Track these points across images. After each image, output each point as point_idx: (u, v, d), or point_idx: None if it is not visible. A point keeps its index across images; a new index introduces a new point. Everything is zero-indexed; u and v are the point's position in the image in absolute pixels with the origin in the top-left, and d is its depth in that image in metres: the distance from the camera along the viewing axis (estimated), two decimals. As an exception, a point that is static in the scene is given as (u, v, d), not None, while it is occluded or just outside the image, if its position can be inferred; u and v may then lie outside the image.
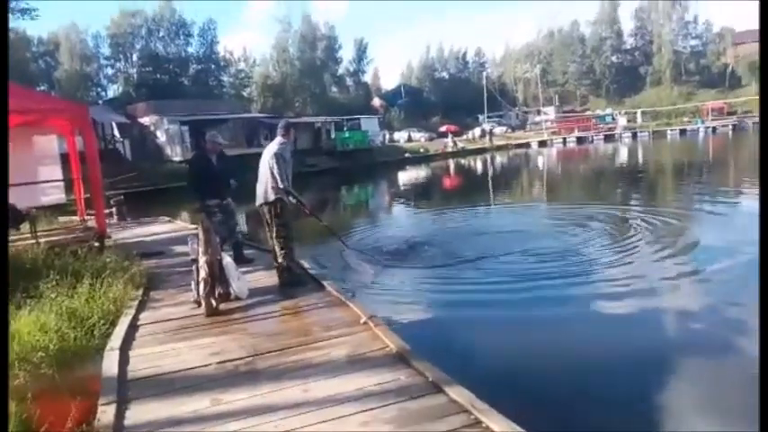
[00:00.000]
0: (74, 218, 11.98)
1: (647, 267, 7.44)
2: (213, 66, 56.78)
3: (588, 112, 63.97)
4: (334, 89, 64.41)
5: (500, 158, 41.23)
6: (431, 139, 51.30)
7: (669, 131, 50.38)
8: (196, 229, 8.81)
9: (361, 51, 67.65)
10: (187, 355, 4.20)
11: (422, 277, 7.67)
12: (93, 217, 10.14)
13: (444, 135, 51.19)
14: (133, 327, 4.89)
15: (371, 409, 3.10)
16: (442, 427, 2.84)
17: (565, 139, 50.92)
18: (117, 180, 20.80)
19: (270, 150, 5.89)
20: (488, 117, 59.35)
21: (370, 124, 44.86)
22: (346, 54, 66.24)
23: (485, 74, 68.41)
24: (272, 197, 5.83)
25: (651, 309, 6.07)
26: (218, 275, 5.42)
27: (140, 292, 6.06)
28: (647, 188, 18.61)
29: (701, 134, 47.89)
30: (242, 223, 12.69)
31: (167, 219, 14.29)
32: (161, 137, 35.49)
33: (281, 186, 5.76)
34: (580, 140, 49.94)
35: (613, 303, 6.25)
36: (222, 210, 7.23)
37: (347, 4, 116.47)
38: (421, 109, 64.04)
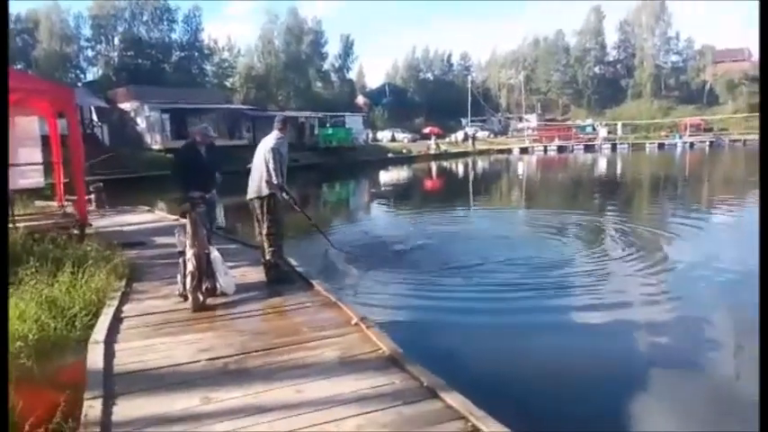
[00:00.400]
0: (50, 203, 11.68)
1: (616, 277, 7.57)
2: (196, 53, 55.96)
3: (569, 122, 64.77)
4: (319, 84, 64.01)
5: (482, 163, 41.52)
6: (414, 140, 51.40)
7: (648, 144, 51.30)
8: (178, 220, 8.73)
9: (347, 48, 67.41)
10: (174, 350, 4.12)
11: (396, 281, 7.64)
12: (71, 203, 9.92)
13: (427, 137, 51.34)
14: (117, 319, 4.77)
15: (367, 412, 3.06)
16: (438, 434, 2.83)
17: (546, 147, 51.48)
18: (94, 163, 20.26)
19: (266, 144, 5.80)
20: (471, 121, 59.70)
21: (354, 122, 44.76)
22: (332, 50, 66.02)
23: (469, 78, 68.86)
24: (265, 192, 5.75)
25: (616, 317, 6.13)
26: (205, 269, 5.34)
27: (123, 283, 5.93)
28: (623, 199, 18.90)
29: (679, 149, 48.86)
30: (221, 217, 12.59)
31: (147, 208, 14.05)
32: (141, 123, 34.87)
33: (276, 182, 5.69)
34: (561, 149, 50.54)
35: (579, 311, 6.31)
36: (205, 202, 7.13)
37: (336, 3, 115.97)
38: (405, 109, 64.11)
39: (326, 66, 65.47)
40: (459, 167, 38.69)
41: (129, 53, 51.21)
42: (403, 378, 3.49)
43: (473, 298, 6.79)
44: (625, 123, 59.84)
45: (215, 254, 5.59)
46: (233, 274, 5.85)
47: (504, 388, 4.20)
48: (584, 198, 19.81)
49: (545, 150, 50.38)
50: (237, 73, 57.99)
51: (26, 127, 9.43)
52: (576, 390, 4.36)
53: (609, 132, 56.78)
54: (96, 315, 4.95)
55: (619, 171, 32.55)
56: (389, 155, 43.17)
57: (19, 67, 43.39)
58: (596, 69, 73.54)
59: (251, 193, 5.90)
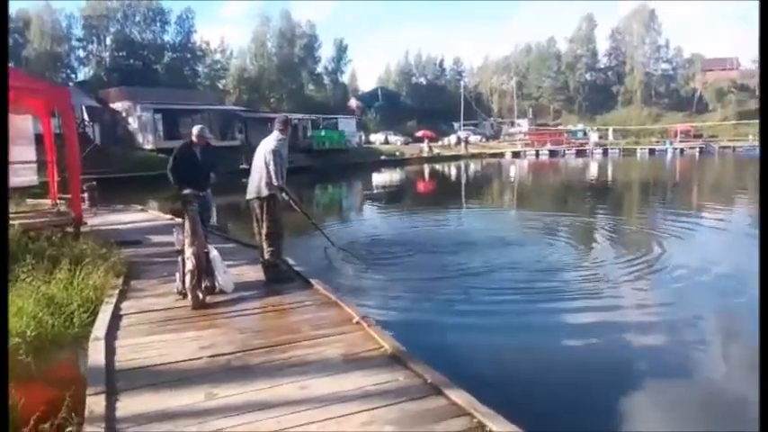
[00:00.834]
0: (42, 201, 11.59)
1: (608, 278, 7.67)
2: (189, 55, 55.85)
3: (561, 127, 65.19)
4: (311, 87, 64.09)
5: (474, 166, 41.67)
6: (407, 143, 51.44)
7: (639, 150, 51.71)
8: (173, 219, 8.70)
9: (340, 51, 67.47)
10: (176, 347, 4.10)
11: (392, 281, 7.66)
12: (64, 201, 9.85)
13: (420, 140, 51.41)
14: (116, 316, 4.76)
15: (372, 409, 3.07)
16: (444, 429, 2.84)
17: (537, 151, 51.73)
18: (82, 158, 20.08)
19: (267, 145, 5.79)
20: (464, 125, 59.87)
21: (347, 124, 44.81)
22: (325, 53, 66.06)
23: (462, 82, 69.11)
24: (265, 192, 5.74)
25: (609, 317, 6.17)
26: (204, 267, 5.33)
27: (120, 281, 5.91)
28: (613, 203, 19.05)
29: (669, 155, 49.27)
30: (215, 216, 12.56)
31: (140, 207, 14.00)
32: (133, 123, 34.68)
33: (276, 183, 5.69)
34: (552, 153, 50.80)
35: (576, 311, 6.35)
36: (199, 201, 7.12)
37: (329, 4, 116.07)
38: (397, 113, 64.21)
39: (319, 69, 65.59)
40: (451, 170, 38.79)
41: (121, 54, 51.05)
42: (406, 375, 3.50)
43: (469, 299, 6.79)
44: (616, 129, 60.33)
45: (214, 253, 5.58)
46: (232, 273, 5.85)
47: (504, 386, 4.22)
48: (575, 201, 19.95)
49: (537, 155, 50.62)
50: (230, 75, 57.92)
51: (20, 125, 9.37)
52: (579, 387, 4.38)
53: (600, 137, 57.18)
54: (94, 312, 4.92)
55: (610, 175, 32.78)
56: (382, 157, 43.20)
57: (10, 65, 42.98)
58: (587, 76, 74.18)
59: (251, 193, 5.89)
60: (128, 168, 26.25)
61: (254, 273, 6.22)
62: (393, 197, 22.61)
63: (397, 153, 45.83)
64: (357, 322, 4.49)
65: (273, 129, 6.03)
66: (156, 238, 8.67)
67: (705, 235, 11.49)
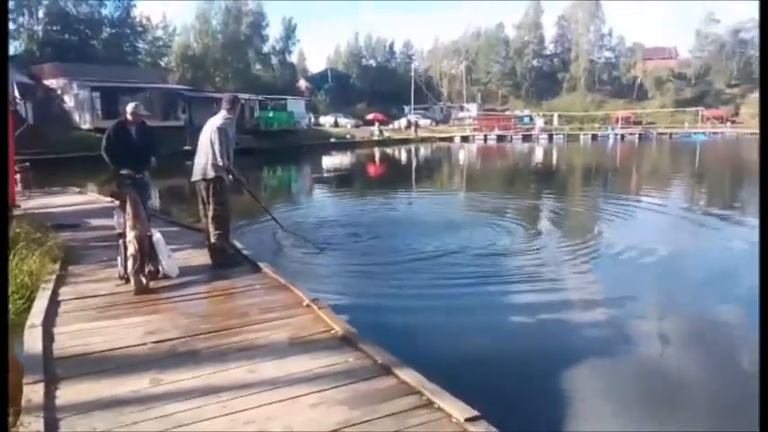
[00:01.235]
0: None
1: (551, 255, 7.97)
2: (128, 31, 53.20)
3: (508, 112, 66.40)
4: (258, 67, 62.49)
5: (424, 150, 41.96)
6: (357, 126, 51.21)
7: (582, 135, 53.38)
8: (113, 201, 8.35)
9: (289, 31, 66.03)
10: (118, 333, 3.98)
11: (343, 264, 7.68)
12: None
13: (371, 123, 51.25)
14: (54, 302, 4.56)
15: (322, 390, 3.08)
16: (394, 408, 2.87)
17: (486, 136, 52.55)
18: (15, 138, 18.97)
19: (213, 124, 5.62)
20: (414, 109, 60.02)
21: (296, 106, 44.08)
22: (273, 32, 64.49)
23: (412, 66, 69.12)
24: (211, 174, 5.59)
25: (553, 296, 6.37)
26: (147, 252, 5.16)
27: (57, 266, 5.66)
28: (558, 186, 19.67)
29: (611, 140, 51.18)
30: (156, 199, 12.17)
31: (78, 190, 13.40)
32: (69, 101, 33.03)
33: (222, 164, 5.54)
34: (500, 138, 51.70)
35: (523, 292, 6.55)
36: (136, 183, 6.84)
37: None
38: (347, 95, 63.73)
39: (267, 48, 63.95)
40: (402, 154, 38.92)
41: (54, 27, 48.16)
42: (357, 357, 3.52)
43: (419, 283, 6.85)
44: (561, 115, 62.03)
45: (157, 236, 5.41)
46: (176, 257, 5.70)
47: (453, 367, 4.31)
48: (522, 184, 20.47)
49: (485, 139, 51.40)
50: (173, 52, 55.75)
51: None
52: (523, 365, 4.53)
53: (545, 123, 58.61)
54: (30, 299, 4.71)
55: (555, 160, 33.72)
56: (332, 140, 42.84)
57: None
58: (534, 62, 75.62)
59: (196, 174, 5.72)
60: (64, 149, 25.01)
61: (201, 257, 6.08)
62: (343, 180, 22.51)
63: (348, 136, 45.57)
64: (307, 305, 4.47)
65: (220, 108, 5.87)
66: (95, 222, 8.33)
67: (644, 216, 12.04)
